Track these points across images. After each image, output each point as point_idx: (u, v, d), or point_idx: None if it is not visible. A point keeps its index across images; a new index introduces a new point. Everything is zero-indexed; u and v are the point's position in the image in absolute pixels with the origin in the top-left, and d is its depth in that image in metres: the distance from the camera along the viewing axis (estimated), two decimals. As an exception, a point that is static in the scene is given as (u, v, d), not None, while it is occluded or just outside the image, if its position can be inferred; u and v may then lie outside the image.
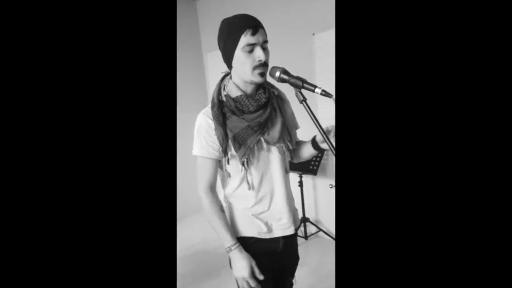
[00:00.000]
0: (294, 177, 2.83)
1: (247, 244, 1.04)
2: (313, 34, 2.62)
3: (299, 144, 1.15)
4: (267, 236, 1.06)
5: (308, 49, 2.67)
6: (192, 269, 2.54)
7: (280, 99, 1.07)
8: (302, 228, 2.80)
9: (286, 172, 1.08)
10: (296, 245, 1.21)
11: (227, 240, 1.00)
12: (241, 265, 0.99)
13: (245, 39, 0.88)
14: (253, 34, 0.88)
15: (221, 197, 1.09)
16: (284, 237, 1.10)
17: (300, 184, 2.72)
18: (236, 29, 0.89)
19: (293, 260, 1.20)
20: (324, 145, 1.03)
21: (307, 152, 1.11)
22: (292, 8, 2.74)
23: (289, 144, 1.05)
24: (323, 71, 2.59)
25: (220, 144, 0.97)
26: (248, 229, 1.06)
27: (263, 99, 0.98)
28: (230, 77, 1.00)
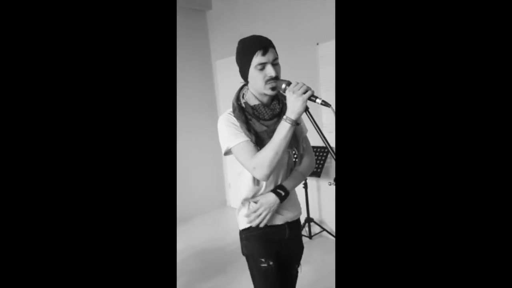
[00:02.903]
0: (298, 179, 2.96)
1: (258, 233, 1.15)
2: (317, 44, 2.77)
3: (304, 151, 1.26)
4: (276, 222, 1.17)
5: (312, 58, 2.82)
6: (199, 266, 2.67)
7: None
8: (306, 228, 2.93)
9: (291, 171, 1.21)
10: (301, 236, 1.33)
11: (283, 121, 0.99)
12: (297, 96, 0.96)
13: (257, 59, 1.03)
14: (264, 54, 1.02)
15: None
16: (290, 225, 1.21)
17: (305, 186, 2.85)
18: (249, 50, 1.04)
19: (298, 248, 1.30)
20: None
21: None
22: (297, 19, 2.90)
23: (295, 149, 1.19)
24: (327, 79, 2.73)
25: (248, 136, 1.06)
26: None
27: (277, 109, 1.11)
28: (248, 88, 1.13)
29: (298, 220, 1.28)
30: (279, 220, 1.19)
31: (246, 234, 1.18)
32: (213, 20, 3.83)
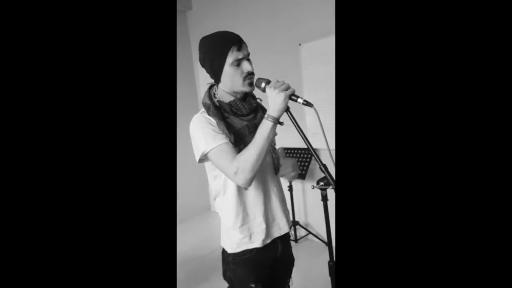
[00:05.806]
0: (283, 182, 2.91)
1: (249, 256, 1.06)
2: (300, 44, 2.73)
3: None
4: (267, 241, 1.08)
5: (295, 58, 2.79)
6: (184, 275, 2.58)
7: (262, 107, 1.12)
8: (292, 231, 2.88)
9: (276, 174, 1.14)
10: (291, 247, 1.24)
11: (265, 120, 0.92)
12: (279, 92, 0.91)
13: (233, 55, 0.95)
14: (239, 49, 0.96)
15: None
16: (281, 239, 1.13)
17: (290, 188, 2.81)
18: (222, 47, 0.96)
19: (290, 262, 1.23)
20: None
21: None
22: (279, 20, 2.86)
23: (273, 152, 1.12)
24: (310, 80, 2.70)
25: (227, 136, 0.97)
26: (248, 241, 1.07)
27: (254, 104, 1.04)
28: (217, 86, 1.05)
29: (288, 232, 1.19)
30: (275, 233, 1.10)
31: (235, 258, 1.08)
32: (194, 20, 3.76)
